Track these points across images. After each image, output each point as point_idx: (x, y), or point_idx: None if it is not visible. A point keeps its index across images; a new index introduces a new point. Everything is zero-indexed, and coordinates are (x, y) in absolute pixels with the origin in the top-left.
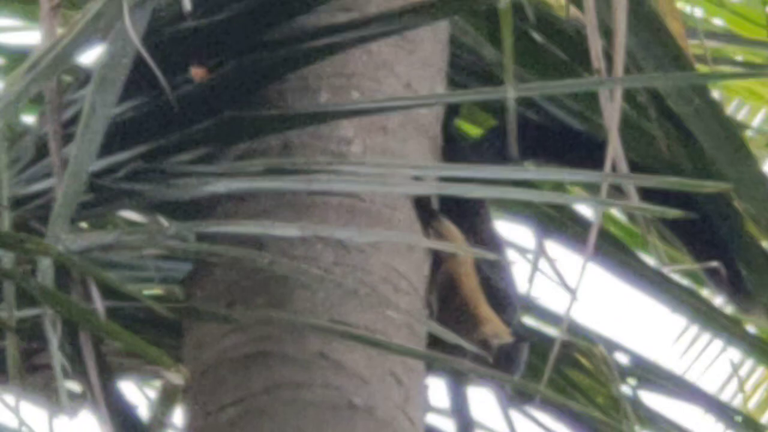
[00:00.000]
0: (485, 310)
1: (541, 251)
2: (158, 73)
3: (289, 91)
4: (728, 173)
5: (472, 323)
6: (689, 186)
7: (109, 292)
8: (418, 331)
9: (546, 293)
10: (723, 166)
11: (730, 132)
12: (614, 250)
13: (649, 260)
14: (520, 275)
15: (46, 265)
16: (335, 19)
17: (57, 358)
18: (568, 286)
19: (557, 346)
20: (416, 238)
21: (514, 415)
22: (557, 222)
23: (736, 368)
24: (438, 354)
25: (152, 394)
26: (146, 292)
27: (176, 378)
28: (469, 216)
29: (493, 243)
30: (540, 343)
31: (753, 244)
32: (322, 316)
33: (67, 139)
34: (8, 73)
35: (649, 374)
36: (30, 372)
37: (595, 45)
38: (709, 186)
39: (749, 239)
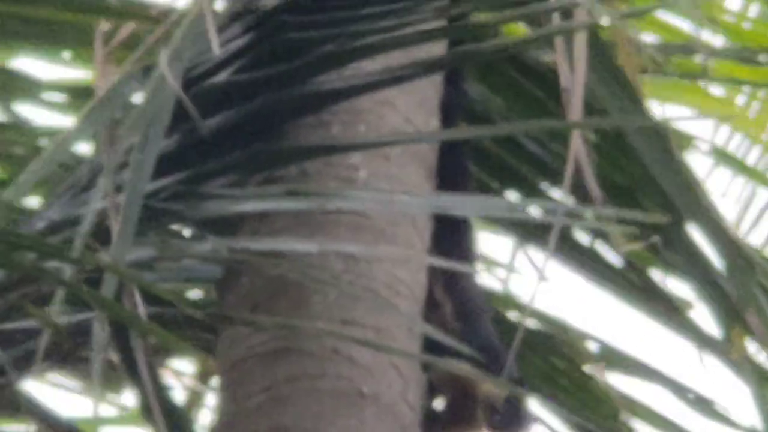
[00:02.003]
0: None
1: (520, 253)
2: (194, 112)
3: (306, 125)
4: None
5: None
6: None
7: (154, 296)
8: (416, 330)
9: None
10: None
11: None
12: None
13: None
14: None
15: (109, 279)
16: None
17: (100, 344)
18: (542, 277)
19: (521, 331)
20: (414, 253)
21: None
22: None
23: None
24: (431, 357)
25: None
26: (187, 294)
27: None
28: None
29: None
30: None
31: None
32: (334, 317)
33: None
34: (68, 107)
35: (616, 359)
36: (79, 362)
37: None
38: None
39: None
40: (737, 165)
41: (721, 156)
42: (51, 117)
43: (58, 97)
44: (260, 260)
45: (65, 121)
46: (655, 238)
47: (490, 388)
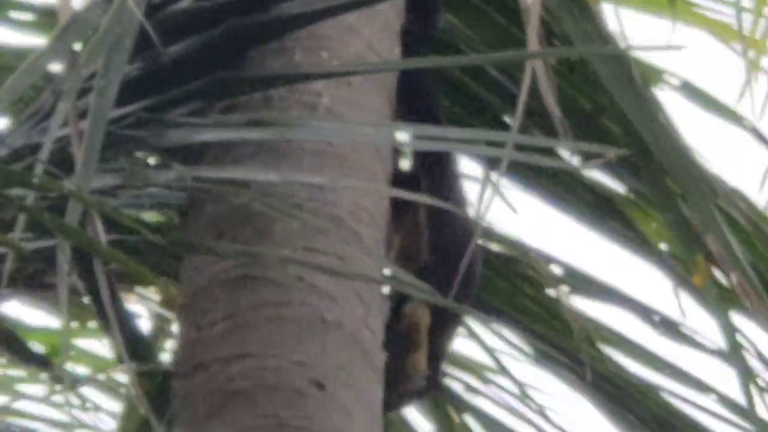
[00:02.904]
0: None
1: (487, 179)
2: (156, 39)
3: (269, 51)
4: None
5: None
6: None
7: (118, 224)
8: (379, 258)
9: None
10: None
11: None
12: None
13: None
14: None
15: (72, 206)
16: None
17: (64, 276)
18: (509, 204)
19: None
20: (378, 186)
21: None
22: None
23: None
24: (393, 279)
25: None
26: (149, 220)
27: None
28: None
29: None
30: (490, 259)
31: None
32: (297, 245)
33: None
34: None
35: (581, 282)
36: (43, 288)
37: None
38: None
39: None
40: (706, 100)
41: (691, 91)
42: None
43: (26, 16)
44: (224, 189)
45: (34, 40)
46: (610, 155)
47: (418, 359)
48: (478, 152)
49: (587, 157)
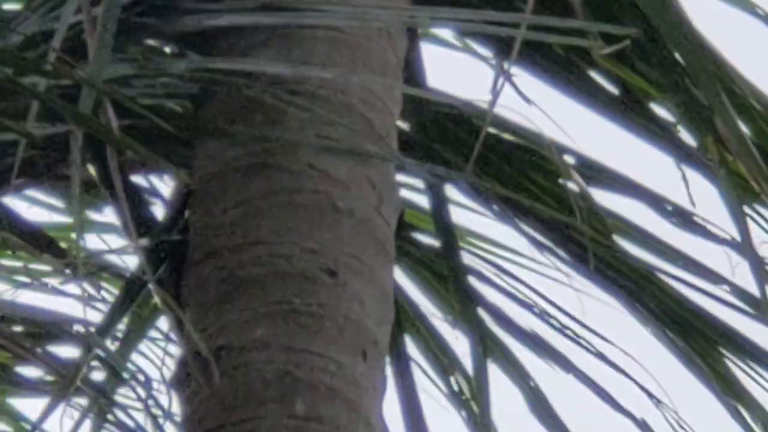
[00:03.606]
0: None
1: (500, 68)
2: None
3: None
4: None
5: None
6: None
7: (131, 112)
8: (390, 142)
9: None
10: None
11: None
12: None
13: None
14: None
15: (85, 93)
16: None
17: (77, 163)
18: (522, 94)
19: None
20: (388, 80)
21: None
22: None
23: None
24: (409, 159)
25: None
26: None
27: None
28: None
29: None
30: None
31: None
32: (310, 132)
33: None
34: None
35: (594, 172)
36: (57, 179)
37: None
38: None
39: None
40: None
41: None
42: None
43: None
44: (236, 79)
45: None
46: (626, 43)
47: None
48: (493, 32)
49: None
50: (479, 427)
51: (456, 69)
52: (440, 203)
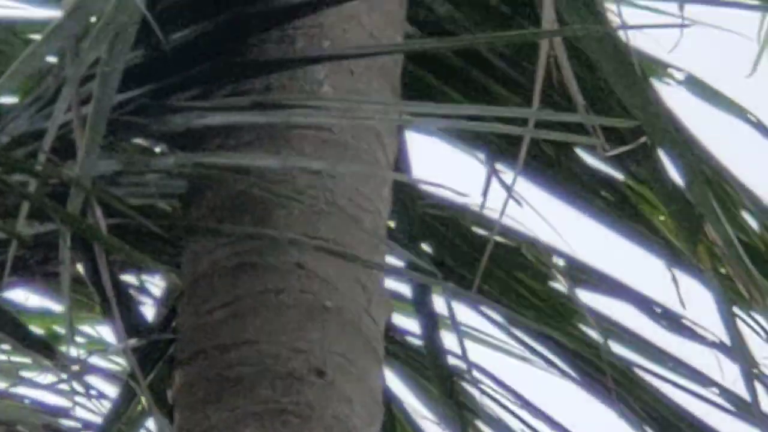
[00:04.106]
0: None
1: (492, 170)
2: (157, 28)
3: (270, 39)
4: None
5: None
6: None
7: (119, 211)
8: (379, 242)
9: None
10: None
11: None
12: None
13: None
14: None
15: (74, 193)
16: None
17: (66, 263)
18: (510, 193)
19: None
20: (377, 169)
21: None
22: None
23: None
24: (396, 266)
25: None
26: (151, 206)
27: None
28: None
29: None
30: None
31: None
32: (297, 232)
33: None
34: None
35: (584, 274)
36: (45, 278)
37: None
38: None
39: None
40: (710, 93)
41: (695, 84)
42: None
43: None
44: (225, 175)
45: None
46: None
47: None
48: (495, 130)
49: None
50: None
51: (441, 159)
52: (425, 303)
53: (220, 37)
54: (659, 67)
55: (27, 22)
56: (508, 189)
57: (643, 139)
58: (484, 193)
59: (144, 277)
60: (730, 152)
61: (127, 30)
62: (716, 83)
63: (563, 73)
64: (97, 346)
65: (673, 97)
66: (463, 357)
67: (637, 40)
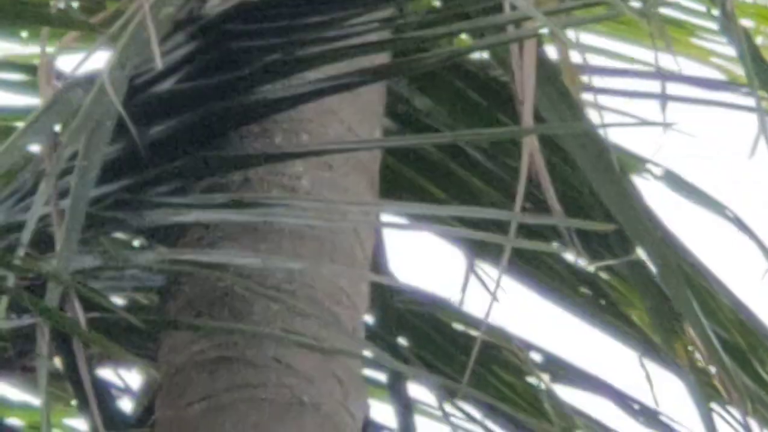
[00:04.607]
0: None
1: (470, 266)
2: (131, 126)
3: (249, 134)
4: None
5: None
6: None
7: (97, 305)
8: (357, 338)
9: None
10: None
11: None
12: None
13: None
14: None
15: (52, 287)
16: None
17: (43, 356)
18: (491, 293)
19: (478, 343)
20: (356, 271)
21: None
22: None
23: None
24: (374, 355)
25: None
26: (129, 299)
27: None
28: None
29: None
30: (467, 344)
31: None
32: (275, 326)
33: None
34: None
35: (561, 370)
36: (24, 372)
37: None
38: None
39: None
40: (689, 189)
41: (674, 180)
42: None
43: (15, 75)
44: (203, 271)
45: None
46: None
47: None
48: (476, 237)
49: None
50: None
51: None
52: (402, 400)
53: (198, 131)
54: (638, 162)
55: (6, 111)
56: (490, 291)
57: (631, 256)
58: (463, 290)
59: (121, 371)
60: (711, 245)
61: (104, 125)
62: (697, 175)
63: (540, 177)
64: None
65: (653, 191)
66: None
67: (616, 134)
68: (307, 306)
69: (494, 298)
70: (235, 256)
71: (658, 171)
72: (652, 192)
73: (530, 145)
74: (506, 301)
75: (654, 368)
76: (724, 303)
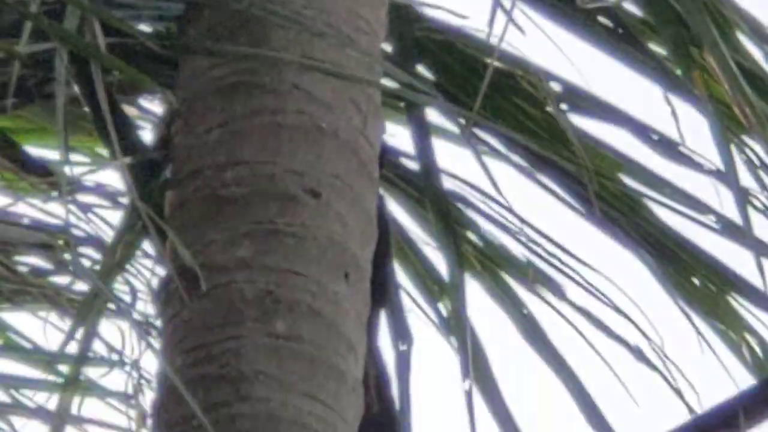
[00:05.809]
0: None
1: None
2: None
3: None
4: None
5: None
6: None
7: (116, 31)
8: (375, 66)
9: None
10: None
11: None
12: None
13: None
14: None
15: (71, 11)
16: None
17: (61, 81)
18: (509, 17)
19: (491, 68)
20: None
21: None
22: None
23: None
24: (392, 86)
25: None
26: (147, 29)
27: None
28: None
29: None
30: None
31: None
32: (294, 53)
33: None
34: None
35: (581, 99)
36: (43, 98)
37: None
38: None
39: None
40: None
41: None
42: None
43: None
44: None
45: None
46: None
47: None
48: None
49: None
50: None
51: None
52: (420, 127)
53: None
54: None
55: None
56: (507, 13)
57: None
58: (490, 23)
59: (141, 102)
60: None
61: None
62: None
63: None
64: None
65: None
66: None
67: None
68: (326, 32)
69: (511, 20)
70: None
71: None
72: None
73: None
74: (529, 34)
75: (673, 101)
76: (744, 31)
